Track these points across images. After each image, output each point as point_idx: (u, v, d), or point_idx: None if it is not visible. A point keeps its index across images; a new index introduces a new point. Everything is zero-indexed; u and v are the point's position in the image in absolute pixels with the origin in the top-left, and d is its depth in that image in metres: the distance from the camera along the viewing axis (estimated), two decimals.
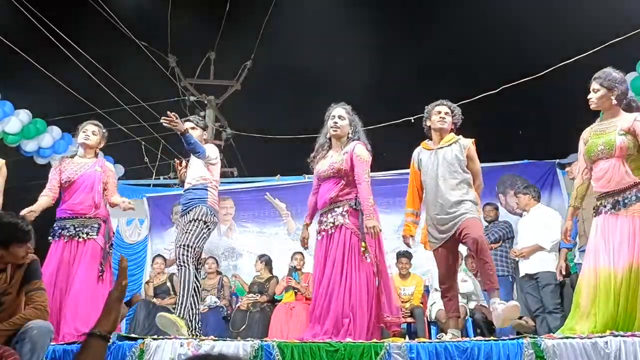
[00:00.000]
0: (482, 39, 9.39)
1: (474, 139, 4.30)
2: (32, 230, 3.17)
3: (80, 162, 4.62)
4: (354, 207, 3.97)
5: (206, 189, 4.37)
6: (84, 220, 4.44)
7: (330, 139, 4.22)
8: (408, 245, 4.42)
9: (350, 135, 4.16)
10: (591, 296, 3.56)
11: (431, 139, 4.39)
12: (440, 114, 4.29)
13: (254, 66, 11.26)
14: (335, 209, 3.98)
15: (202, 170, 4.43)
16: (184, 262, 4.09)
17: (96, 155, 4.76)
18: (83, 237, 4.38)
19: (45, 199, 4.44)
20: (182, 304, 4.03)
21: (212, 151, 4.46)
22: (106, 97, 8.92)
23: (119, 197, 4.74)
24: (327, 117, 4.21)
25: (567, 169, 5.99)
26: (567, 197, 6.98)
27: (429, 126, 4.37)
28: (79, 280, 4.27)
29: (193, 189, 4.37)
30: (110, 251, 4.59)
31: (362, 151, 4.04)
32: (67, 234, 4.38)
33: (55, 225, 4.46)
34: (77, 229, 4.40)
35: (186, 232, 4.19)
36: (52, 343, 3.22)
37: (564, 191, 7.39)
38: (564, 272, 5.36)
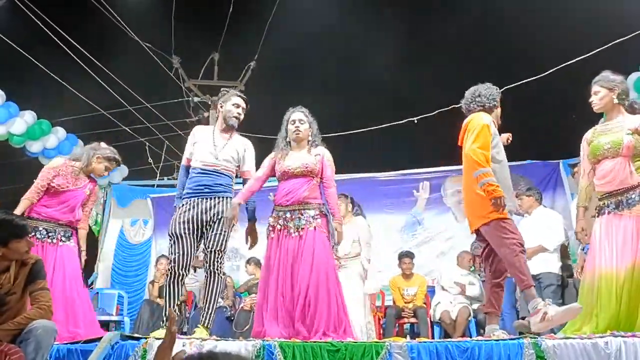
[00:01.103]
0: (484, 40, 9.39)
1: None
2: (27, 225, 3.20)
3: (78, 176, 4.54)
4: (323, 211, 4.03)
5: (232, 178, 4.20)
6: (56, 225, 4.39)
7: (289, 142, 4.19)
8: (503, 206, 3.65)
9: (310, 139, 4.19)
10: (594, 296, 3.57)
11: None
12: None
13: (257, 67, 11.29)
14: (306, 211, 3.97)
15: (250, 164, 4.24)
16: (217, 269, 3.96)
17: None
18: (56, 241, 4.33)
19: (24, 203, 4.31)
20: (210, 313, 3.93)
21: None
22: (110, 97, 8.96)
23: (84, 239, 4.63)
24: (286, 121, 4.21)
25: (575, 169, 5.98)
26: (571, 197, 6.96)
27: (494, 107, 4.04)
28: (66, 283, 4.24)
29: (223, 174, 4.12)
30: (82, 261, 4.53)
31: (331, 157, 4.18)
32: (39, 236, 4.30)
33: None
34: (50, 232, 4.35)
35: (220, 234, 3.98)
36: (55, 342, 3.25)
37: (567, 191, 7.38)
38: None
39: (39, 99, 8.50)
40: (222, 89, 4.40)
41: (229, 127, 4.23)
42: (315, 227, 3.95)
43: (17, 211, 4.23)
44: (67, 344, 3.55)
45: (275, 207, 4.15)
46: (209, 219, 4.00)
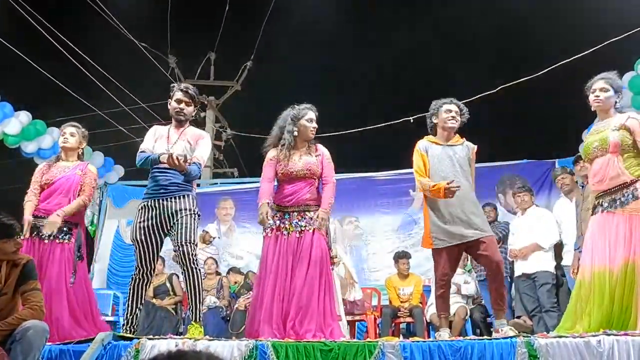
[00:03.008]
0: (481, 40, 9.39)
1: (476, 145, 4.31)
2: (15, 224, 3.18)
3: (62, 165, 4.49)
4: None
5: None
6: None
7: (295, 138, 4.13)
8: (453, 194, 3.95)
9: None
10: (587, 295, 3.57)
11: (435, 136, 4.30)
12: (451, 112, 4.22)
13: (254, 66, 11.29)
14: (307, 213, 4.00)
15: (200, 150, 4.12)
16: (193, 263, 3.90)
17: (79, 157, 4.59)
18: (52, 239, 4.26)
19: (29, 205, 4.34)
20: (197, 308, 3.91)
21: (207, 155, 4.28)
22: (106, 97, 8.95)
23: (72, 206, 4.38)
24: (299, 116, 4.14)
25: (576, 170, 5.92)
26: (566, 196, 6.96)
27: (435, 123, 4.27)
28: (50, 283, 4.14)
29: (178, 171, 4.00)
30: (82, 256, 4.43)
31: (330, 156, 4.21)
32: (38, 233, 4.26)
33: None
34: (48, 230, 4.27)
35: (186, 227, 3.91)
36: (47, 343, 3.24)
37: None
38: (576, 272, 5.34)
39: (34, 99, 8.48)
40: (171, 85, 4.33)
41: (177, 122, 4.18)
42: (314, 230, 3.96)
43: (26, 217, 4.27)
44: (59, 344, 3.54)
45: (273, 206, 4.12)
46: (170, 216, 3.94)
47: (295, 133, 4.11)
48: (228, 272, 7.76)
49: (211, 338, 3.62)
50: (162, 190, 4.00)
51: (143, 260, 3.96)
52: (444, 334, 3.99)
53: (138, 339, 3.38)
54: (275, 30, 10.08)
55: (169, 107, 4.24)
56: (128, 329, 3.87)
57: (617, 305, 3.39)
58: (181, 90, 4.18)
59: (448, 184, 3.89)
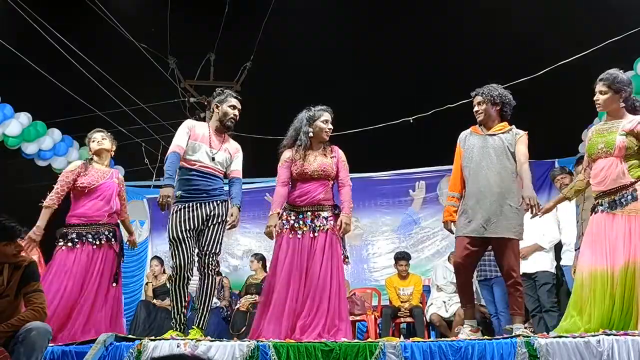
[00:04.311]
0: (480, 39, 9.40)
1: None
2: (17, 227, 3.19)
3: (100, 169, 4.52)
4: (336, 213, 4.11)
5: (223, 180, 4.20)
6: (99, 226, 4.38)
7: (311, 139, 4.18)
8: (450, 231, 4.17)
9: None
10: (587, 295, 3.58)
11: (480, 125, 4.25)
12: (475, 106, 4.24)
13: (253, 67, 11.28)
14: (321, 213, 4.05)
15: (238, 164, 4.24)
16: (211, 271, 3.98)
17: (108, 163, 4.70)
18: (98, 244, 4.33)
19: (48, 212, 4.28)
20: (204, 315, 3.96)
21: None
22: (106, 98, 8.94)
23: (130, 224, 4.90)
24: (315, 118, 4.19)
25: (577, 171, 5.89)
26: None
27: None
28: (96, 286, 4.26)
29: (218, 177, 4.12)
30: (123, 257, 4.58)
31: (344, 157, 4.25)
32: (84, 240, 4.31)
33: (67, 230, 4.36)
34: (95, 236, 4.34)
35: (216, 237, 4.00)
36: (51, 344, 3.25)
37: None
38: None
39: (34, 100, 8.47)
40: (216, 89, 4.38)
41: (225, 128, 4.21)
42: (328, 230, 4.01)
43: (40, 221, 4.22)
44: (61, 345, 3.56)
45: (287, 205, 4.16)
46: (206, 220, 3.99)
47: (311, 134, 4.16)
48: (256, 255, 7.39)
49: (212, 339, 3.64)
50: (204, 195, 4.02)
51: (182, 258, 3.91)
52: (465, 331, 4.01)
53: (139, 340, 3.39)
54: (275, 30, 10.07)
55: (216, 110, 4.22)
56: (178, 327, 3.89)
57: (618, 306, 3.39)
58: (235, 97, 4.23)
59: (447, 219, 4.17)
